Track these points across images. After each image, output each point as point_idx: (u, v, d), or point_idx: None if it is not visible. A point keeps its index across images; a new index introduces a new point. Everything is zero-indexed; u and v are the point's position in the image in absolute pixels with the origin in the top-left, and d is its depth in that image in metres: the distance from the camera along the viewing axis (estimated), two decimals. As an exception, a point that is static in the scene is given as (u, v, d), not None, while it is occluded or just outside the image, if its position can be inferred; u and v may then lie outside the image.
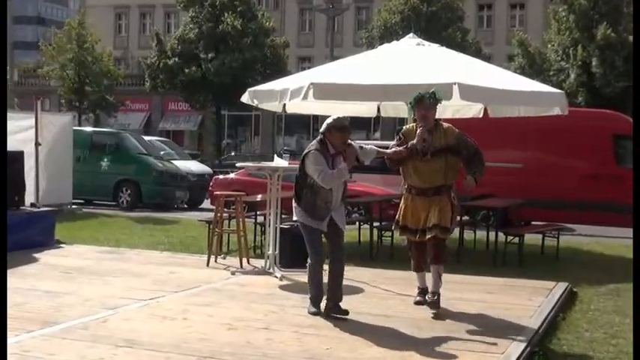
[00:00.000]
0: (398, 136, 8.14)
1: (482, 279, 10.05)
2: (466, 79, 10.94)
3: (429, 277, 8.07)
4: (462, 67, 11.96)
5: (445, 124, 8.02)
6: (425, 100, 7.92)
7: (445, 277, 10.02)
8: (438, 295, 7.86)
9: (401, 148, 7.89)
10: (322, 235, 7.54)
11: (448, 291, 9.03)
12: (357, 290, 8.93)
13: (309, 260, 7.49)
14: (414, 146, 7.79)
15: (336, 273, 7.52)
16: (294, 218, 7.62)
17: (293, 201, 7.49)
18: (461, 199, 14.96)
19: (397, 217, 8.16)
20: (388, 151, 7.95)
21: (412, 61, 11.77)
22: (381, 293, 8.90)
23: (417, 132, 7.83)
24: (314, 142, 7.39)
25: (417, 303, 8.15)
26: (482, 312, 8.04)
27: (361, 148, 7.58)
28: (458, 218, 8.76)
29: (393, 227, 8.54)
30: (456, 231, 12.30)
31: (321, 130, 7.37)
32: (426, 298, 7.97)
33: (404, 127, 8.26)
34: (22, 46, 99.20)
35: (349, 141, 7.41)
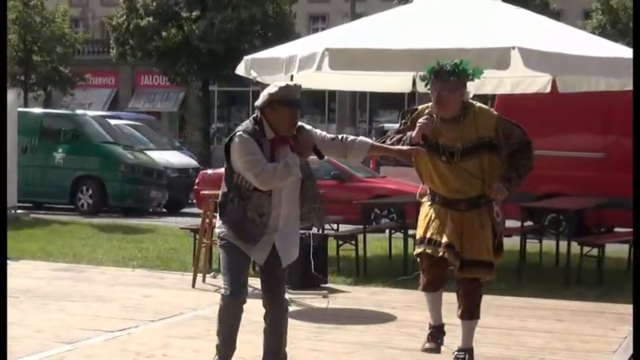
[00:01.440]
0: (403, 119, 7.23)
1: (550, 303, 10.05)
2: (529, 42, 10.94)
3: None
4: (524, 27, 11.95)
5: (477, 106, 7.13)
6: (443, 74, 6.95)
7: (503, 300, 10.08)
8: (471, 353, 7.30)
9: (404, 147, 6.89)
10: (249, 264, 6.71)
11: (507, 318, 9.07)
12: (388, 318, 8.96)
13: (221, 292, 6.63)
14: (409, 140, 6.90)
15: (276, 327, 6.85)
16: (216, 231, 6.69)
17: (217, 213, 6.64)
18: (521, 198, 14.93)
19: (419, 231, 7.26)
20: (393, 147, 6.93)
21: (458, 19, 11.76)
22: (419, 322, 8.91)
23: (419, 122, 6.90)
24: (246, 121, 6.44)
25: (428, 350, 7.39)
26: (551, 345, 8.04)
27: (333, 139, 6.54)
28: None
29: (415, 249, 7.44)
30: (517, 241, 12.33)
31: (257, 103, 6.38)
32: (455, 356, 7.30)
33: (417, 107, 7.25)
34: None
35: (303, 124, 6.44)
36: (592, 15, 38.55)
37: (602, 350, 7.84)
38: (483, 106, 7.23)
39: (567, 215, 12.80)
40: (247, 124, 6.32)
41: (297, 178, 6.26)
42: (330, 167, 18.51)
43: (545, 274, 12.03)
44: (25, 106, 36.06)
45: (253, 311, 9.36)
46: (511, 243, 13.97)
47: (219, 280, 10.96)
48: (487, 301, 10.04)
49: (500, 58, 10.70)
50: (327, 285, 10.58)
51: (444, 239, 6.97)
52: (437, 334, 7.37)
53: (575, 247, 11.91)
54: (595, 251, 11.95)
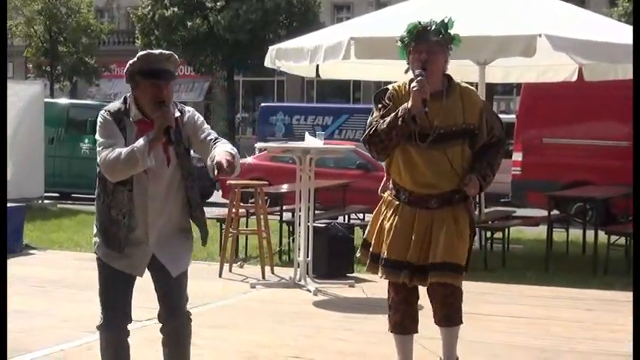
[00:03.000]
0: (381, 102, 5.94)
1: (578, 292, 10.00)
2: (555, 29, 10.87)
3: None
4: (550, 14, 11.87)
5: (463, 84, 6.05)
6: (429, 33, 5.84)
7: (531, 290, 10.04)
8: None
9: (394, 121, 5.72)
10: (129, 285, 5.51)
11: (534, 308, 9.03)
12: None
13: (99, 319, 5.55)
14: (407, 112, 5.66)
15: (177, 341, 5.80)
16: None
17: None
18: (548, 187, 14.85)
19: (366, 235, 6.21)
20: (383, 125, 5.76)
21: (483, 7, 11.71)
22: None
23: (413, 86, 5.70)
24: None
25: None
26: (579, 334, 7.99)
27: (209, 140, 5.33)
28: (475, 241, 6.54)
29: (357, 252, 6.47)
30: (543, 230, 12.27)
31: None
32: None
33: (390, 87, 6.01)
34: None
35: (184, 107, 5.40)
36: (618, 2, 38.27)
37: (630, 339, 7.78)
38: (468, 85, 6.11)
39: (594, 204, 12.72)
40: (115, 102, 5.35)
41: (148, 166, 5.05)
42: (355, 157, 18.48)
43: (572, 263, 11.97)
44: (52, 96, 36.14)
45: (278, 301, 9.40)
46: (538, 232, 13.95)
47: (246, 270, 11.06)
48: (514, 290, 10.06)
49: (526, 46, 10.65)
50: (353, 274, 10.56)
51: (411, 258, 5.86)
52: None
53: (603, 236, 11.83)
54: (622, 240, 11.88)
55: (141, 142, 5.00)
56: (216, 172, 5.00)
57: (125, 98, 5.28)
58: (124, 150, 5.01)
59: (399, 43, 5.96)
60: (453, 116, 5.80)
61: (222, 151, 5.09)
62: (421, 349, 6.65)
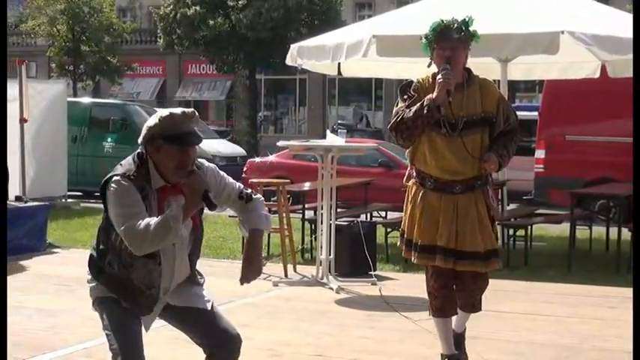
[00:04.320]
0: (406, 93, 6.30)
1: (601, 290, 9.97)
2: (578, 26, 10.83)
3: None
4: (571, 11, 11.83)
5: (482, 77, 6.46)
6: (451, 31, 6.21)
7: (554, 287, 10.02)
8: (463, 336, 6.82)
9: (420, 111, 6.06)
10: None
11: (557, 306, 9.01)
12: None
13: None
14: (432, 102, 6.02)
15: None
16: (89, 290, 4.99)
17: (87, 269, 4.97)
18: (571, 184, 14.78)
19: (402, 225, 6.53)
20: (408, 114, 6.10)
21: (506, 4, 11.69)
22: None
23: (439, 79, 6.07)
24: (127, 159, 4.81)
25: None
26: (603, 332, 7.97)
27: (240, 194, 4.97)
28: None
29: (399, 241, 6.68)
30: (566, 228, 12.24)
31: (141, 137, 4.73)
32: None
33: (414, 79, 6.40)
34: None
35: (203, 162, 4.91)
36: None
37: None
38: (486, 77, 6.53)
39: (617, 201, 12.64)
40: (129, 163, 4.71)
41: (182, 238, 4.66)
42: (377, 155, 18.47)
43: (596, 261, 11.93)
44: (74, 96, 36.33)
45: (301, 299, 9.41)
46: (561, 229, 13.91)
47: (268, 268, 11.06)
48: (537, 288, 10.05)
49: (549, 43, 10.63)
50: (375, 272, 10.56)
51: (441, 242, 6.20)
52: None
53: (626, 234, 11.80)
54: (646, 237, 11.83)
55: (173, 209, 4.53)
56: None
57: (139, 161, 4.69)
58: (154, 220, 4.48)
59: (424, 40, 6.29)
60: (473, 105, 6.20)
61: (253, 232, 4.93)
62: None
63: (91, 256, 4.88)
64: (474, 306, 6.52)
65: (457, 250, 6.20)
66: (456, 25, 6.21)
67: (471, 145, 6.16)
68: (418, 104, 6.05)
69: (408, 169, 6.49)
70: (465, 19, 6.25)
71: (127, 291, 4.74)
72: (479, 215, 6.25)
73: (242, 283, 4.98)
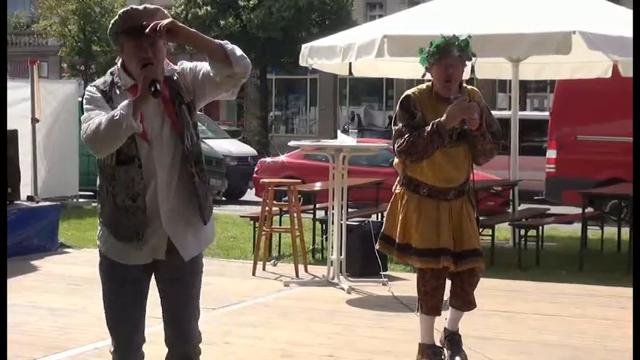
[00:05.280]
0: (408, 110, 6.44)
1: (612, 290, 9.96)
2: (590, 26, 10.83)
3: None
4: (584, 11, 11.84)
5: (470, 87, 6.65)
6: (453, 48, 6.43)
7: (565, 288, 10.02)
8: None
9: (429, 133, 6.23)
10: (144, 300, 4.77)
11: (568, 306, 9.02)
12: (447, 305, 8.92)
13: (110, 347, 4.88)
14: (442, 127, 6.22)
15: None
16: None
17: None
18: (582, 184, 14.75)
19: (394, 232, 6.69)
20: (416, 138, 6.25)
21: (517, 4, 11.70)
22: (479, 309, 8.86)
23: (455, 101, 6.25)
24: None
25: None
26: (613, 333, 7.97)
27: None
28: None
29: (377, 246, 7.03)
30: (578, 228, 12.23)
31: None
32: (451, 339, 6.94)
33: (410, 93, 6.53)
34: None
35: (161, 61, 4.57)
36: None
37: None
38: (473, 87, 6.72)
39: (629, 201, 12.62)
40: (105, 74, 4.70)
41: (135, 130, 4.33)
42: (388, 155, 18.46)
43: (607, 262, 11.91)
44: (86, 95, 36.31)
45: (312, 299, 9.43)
46: (572, 230, 13.91)
47: (279, 269, 11.09)
48: (549, 288, 10.04)
49: (561, 43, 10.63)
50: (386, 272, 10.57)
51: (440, 244, 6.46)
52: (438, 354, 6.85)
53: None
54: (658, 237, 11.82)
55: (124, 103, 4.34)
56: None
57: (111, 72, 4.63)
58: (106, 116, 4.32)
59: (424, 54, 6.51)
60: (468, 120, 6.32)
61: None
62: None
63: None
64: (471, 303, 6.78)
65: (457, 251, 6.51)
66: (457, 43, 6.43)
67: (464, 153, 6.47)
68: (429, 129, 6.22)
69: (399, 177, 6.69)
70: (466, 40, 6.49)
71: (118, 218, 4.53)
72: (469, 215, 6.61)
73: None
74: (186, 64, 4.71)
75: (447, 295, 6.81)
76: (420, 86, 6.57)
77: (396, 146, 6.40)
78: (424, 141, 6.22)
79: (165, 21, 4.38)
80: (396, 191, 6.68)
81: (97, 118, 4.35)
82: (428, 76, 6.52)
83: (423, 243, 6.47)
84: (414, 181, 6.53)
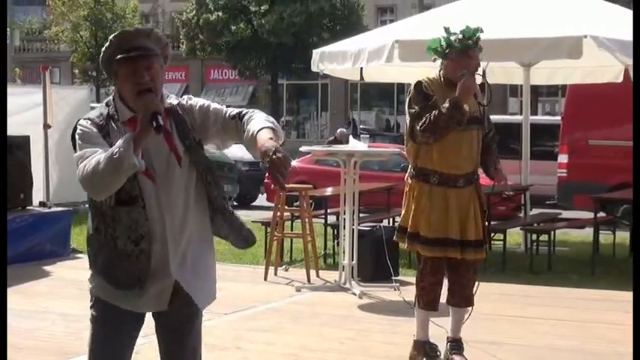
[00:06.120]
0: (422, 93, 6.65)
1: (624, 295, 9.90)
2: (601, 30, 10.81)
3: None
4: (595, 15, 11.82)
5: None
6: (472, 50, 6.71)
7: (576, 292, 10.00)
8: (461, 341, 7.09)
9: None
10: (138, 329, 4.42)
11: (580, 311, 8.99)
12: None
13: None
14: (459, 103, 6.48)
15: None
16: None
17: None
18: (594, 189, 14.70)
19: (407, 221, 6.81)
20: (438, 115, 6.46)
21: (529, 9, 11.69)
22: (491, 314, 8.87)
23: (463, 81, 6.52)
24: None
25: None
26: (627, 338, 7.94)
27: (232, 117, 4.20)
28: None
29: (396, 236, 7.12)
30: (590, 233, 12.20)
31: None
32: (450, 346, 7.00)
33: (421, 79, 6.78)
34: (24, 0, 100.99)
35: (160, 87, 4.14)
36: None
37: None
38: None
39: (641, 206, 12.61)
40: (99, 106, 4.26)
41: (137, 169, 3.91)
42: (399, 160, 18.46)
43: (619, 266, 11.88)
44: (97, 101, 36.38)
45: (324, 304, 9.43)
46: (584, 234, 13.88)
47: (291, 274, 11.08)
48: (560, 293, 10.03)
49: (572, 48, 10.62)
50: (398, 277, 10.56)
51: (452, 234, 6.65)
52: (434, 352, 7.00)
53: (650, 238, 11.74)
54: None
55: (123, 138, 3.92)
56: (266, 165, 3.85)
57: (111, 98, 4.22)
58: (104, 155, 3.92)
59: (443, 44, 6.75)
60: (473, 102, 6.69)
61: (261, 132, 3.96)
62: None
63: (87, 237, 4.34)
64: (469, 298, 6.88)
65: (463, 240, 6.67)
66: (475, 37, 6.71)
67: (474, 140, 6.71)
68: (447, 105, 6.44)
69: (410, 167, 6.85)
70: (477, 30, 6.77)
71: (117, 262, 4.13)
72: (475, 206, 6.75)
73: (278, 187, 3.86)
74: (194, 101, 4.29)
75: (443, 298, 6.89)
76: (428, 75, 6.81)
77: (417, 127, 6.55)
78: (445, 117, 6.41)
79: (271, 144, 3.85)
80: (408, 182, 6.85)
81: (94, 156, 3.94)
82: (438, 62, 6.84)
83: (432, 232, 6.65)
84: (424, 170, 6.71)
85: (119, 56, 4.05)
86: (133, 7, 44.68)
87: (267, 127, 3.97)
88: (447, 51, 6.69)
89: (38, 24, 55.37)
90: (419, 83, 6.69)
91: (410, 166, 6.88)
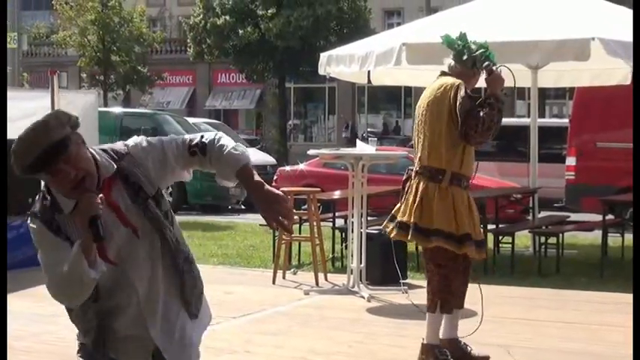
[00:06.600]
0: (468, 94, 6.80)
1: (632, 297, 9.92)
2: (609, 32, 10.80)
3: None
4: (602, 17, 11.81)
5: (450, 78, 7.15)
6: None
7: (584, 295, 9.99)
8: None
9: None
10: None
11: (588, 313, 8.99)
12: (470, 313, 8.91)
13: None
14: (494, 93, 6.77)
15: None
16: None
17: None
18: (602, 191, 14.69)
19: (452, 226, 6.84)
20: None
21: (536, 11, 11.69)
22: (501, 317, 8.87)
23: (495, 73, 6.89)
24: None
25: None
26: (632, 340, 7.93)
27: (191, 149, 3.88)
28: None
29: (440, 243, 6.95)
30: (598, 235, 12.19)
31: None
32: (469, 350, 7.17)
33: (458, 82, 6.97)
34: (31, 5, 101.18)
35: (89, 168, 3.72)
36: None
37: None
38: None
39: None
40: (38, 196, 3.83)
41: (99, 273, 3.70)
42: (407, 162, 18.44)
43: (628, 269, 11.84)
44: (105, 105, 36.52)
45: (332, 308, 9.43)
46: (592, 237, 13.85)
47: (299, 277, 11.10)
48: (569, 295, 10.01)
49: (579, 50, 10.61)
50: (406, 280, 10.57)
51: (475, 235, 6.90)
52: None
53: (658, 241, 11.72)
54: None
55: (73, 251, 3.65)
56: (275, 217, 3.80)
57: (46, 189, 3.79)
58: (62, 270, 3.68)
59: (475, 51, 7.02)
60: None
61: (248, 175, 3.91)
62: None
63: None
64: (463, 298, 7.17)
65: (478, 240, 6.94)
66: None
67: None
68: (491, 101, 6.65)
69: (446, 171, 6.82)
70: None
71: (90, 330, 3.97)
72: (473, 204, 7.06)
73: (274, 227, 3.70)
74: (140, 147, 3.89)
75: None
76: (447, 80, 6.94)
77: (480, 128, 6.60)
78: (497, 112, 6.62)
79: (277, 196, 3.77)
80: (442, 186, 6.81)
81: (55, 270, 3.72)
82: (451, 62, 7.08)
83: (464, 229, 6.83)
84: (457, 175, 6.83)
85: (33, 174, 3.67)
86: (140, 11, 44.67)
87: (246, 164, 3.88)
88: (476, 60, 6.94)
89: (46, 28, 55.38)
90: (460, 84, 6.78)
91: (432, 170, 6.85)
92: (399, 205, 7.11)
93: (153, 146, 3.89)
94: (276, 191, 3.84)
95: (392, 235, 7.18)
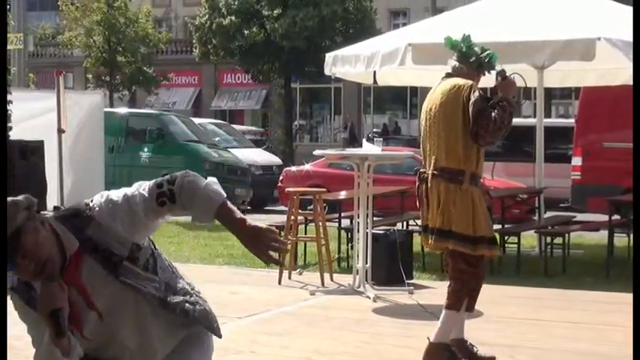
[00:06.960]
0: (480, 94, 6.83)
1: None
2: (614, 32, 10.79)
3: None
4: (608, 17, 11.80)
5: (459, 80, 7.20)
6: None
7: (590, 295, 9.98)
8: None
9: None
10: None
11: (595, 314, 8.98)
12: (475, 313, 8.91)
13: None
14: (506, 97, 6.82)
15: None
16: None
17: None
18: (609, 191, 14.68)
19: (472, 226, 6.78)
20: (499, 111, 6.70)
21: (542, 11, 11.68)
22: (507, 317, 8.87)
23: (509, 79, 6.96)
24: None
25: None
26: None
27: (159, 201, 3.71)
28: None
29: (458, 247, 6.89)
30: (604, 235, 12.18)
31: None
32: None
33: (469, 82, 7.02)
34: (37, 6, 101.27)
35: (49, 260, 3.61)
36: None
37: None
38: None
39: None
40: (10, 273, 3.72)
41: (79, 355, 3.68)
42: (413, 163, 18.45)
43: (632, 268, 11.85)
44: (111, 106, 36.53)
45: (338, 308, 9.43)
46: (598, 237, 13.84)
47: (305, 277, 11.09)
48: (575, 295, 10.01)
49: (585, 50, 10.60)
50: (412, 281, 10.56)
51: (490, 234, 6.94)
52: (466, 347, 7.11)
53: (665, 241, 11.71)
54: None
55: (45, 341, 3.63)
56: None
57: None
58: (42, 350, 3.67)
59: (479, 54, 7.12)
60: None
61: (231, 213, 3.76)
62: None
63: None
64: None
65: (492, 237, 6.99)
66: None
67: None
68: (503, 104, 6.67)
69: (466, 172, 6.80)
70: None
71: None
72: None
73: (266, 261, 3.92)
74: (104, 210, 3.71)
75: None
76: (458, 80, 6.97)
77: (491, 127, 6.62)
78: (508, 114, 6.66)
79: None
80: (463, 188, 6.75)
81: (38, 348, 3.71)
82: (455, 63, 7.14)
83: (490, 231, 6.94)
84: (474, 175, 6.85)
85: None
86: (146, 11, 44.69)
87: (223, 204, 3.72)
88: (479, 63, 7.07)
89: (51, 29, 55.51)
90: (475, 86, 6.82)
91: (452, 172, 6.81)
92: (421, 212, 7.04)
93: (118, 206, 3.71)
94: (260, 225, 3.79)
95: (430, 246, 7.11)
